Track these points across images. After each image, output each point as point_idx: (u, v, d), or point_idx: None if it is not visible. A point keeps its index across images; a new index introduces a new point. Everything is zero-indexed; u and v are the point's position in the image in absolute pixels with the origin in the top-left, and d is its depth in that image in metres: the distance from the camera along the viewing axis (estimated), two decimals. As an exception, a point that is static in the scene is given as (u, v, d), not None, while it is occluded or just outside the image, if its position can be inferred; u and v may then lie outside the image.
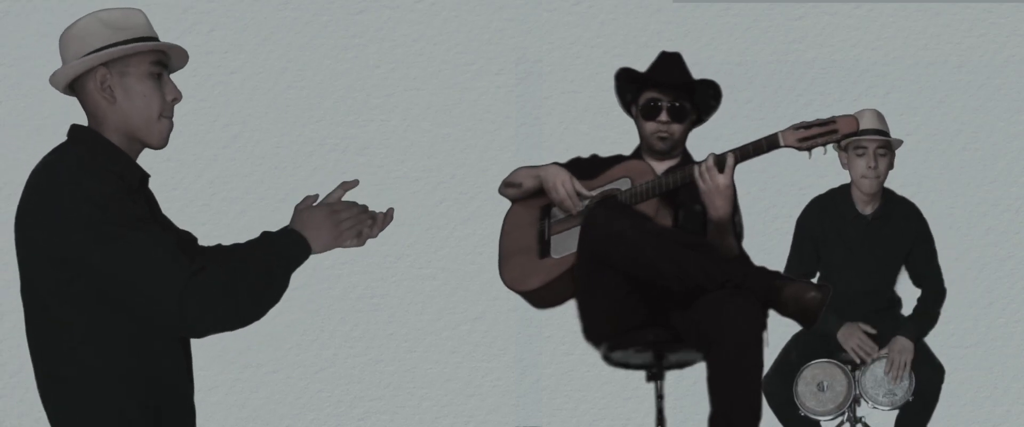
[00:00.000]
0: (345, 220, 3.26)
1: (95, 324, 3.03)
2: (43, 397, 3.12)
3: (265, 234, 3.26)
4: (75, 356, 3.04)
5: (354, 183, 3.36)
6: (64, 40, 3.19)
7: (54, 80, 3.18)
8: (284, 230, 3.22)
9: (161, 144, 3.21)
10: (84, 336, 3.03)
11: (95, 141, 3.15)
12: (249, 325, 3.05)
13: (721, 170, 4.18)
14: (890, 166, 5.57)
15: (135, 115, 3.16)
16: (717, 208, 4.19)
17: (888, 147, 5.53)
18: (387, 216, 3.37)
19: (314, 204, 3.30)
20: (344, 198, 3.35)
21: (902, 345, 5.47)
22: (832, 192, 5.67)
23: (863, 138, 5.45)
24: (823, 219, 5.64)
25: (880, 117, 5.54)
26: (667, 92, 4.45)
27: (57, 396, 3.08)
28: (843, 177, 5.64)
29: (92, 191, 3.00)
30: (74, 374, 3.05)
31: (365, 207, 3.33)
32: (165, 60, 3.23)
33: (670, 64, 4.51)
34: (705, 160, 4.21)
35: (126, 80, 3.16)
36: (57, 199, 3.01)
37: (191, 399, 3.23)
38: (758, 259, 4.37)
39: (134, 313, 3.02)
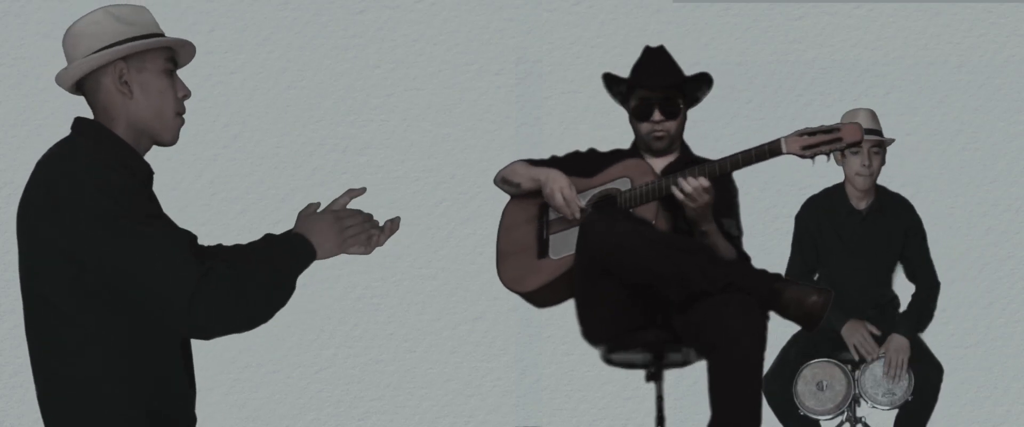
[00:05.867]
0: (350, 227, 3.23)
1: (100, 323, 2.95)
2: (41, 396, 3.03)
3: (269, 237, 3.22)
4: (78, 355, 2.95)
5: (361, 191, 3.32)
6: (72, 36, 3.10)
7: (65, 76, 3.10)
8: (289, 234, 3.17)
9: (174, 140, 3.16)
10: (88, 335, 2.94)
11: (103, 135, 3.07)
12: (256, 328, 3.00)
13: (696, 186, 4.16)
14: (882, 163, 5.67)
15: (150, 111, 3.11)
16: (696, 213, 4.20)
17: (881, 146, 5.65)
18: (393, 225, 3.34)
19: (318, 210, 3.26)
20: (350, 206, 3.30)
21: (898, 344, 5.50)
22: (827, 190, 5.78)
23: None
24: (819, 216, 5.73)
25: (874, 116, 5.65)
26: (656, 90, 4.45)
27: (58, 395, 2.99)
28: (838, 176, 5.69)
29: (106, 183, 2.92)
30: (77, 373, 2.96)
31: (370, 216, 3.30)
32: (176, 57, 3.18)
33: (656, 60, 4.50)
34: (684, 180, 4.18)
35: (143, 75, 3.10)
36: (68, 191, 2.92)
37: (193, 406, 3.16)
38: (758, 259, 4.37)
39: (142, 311, 2.94)
